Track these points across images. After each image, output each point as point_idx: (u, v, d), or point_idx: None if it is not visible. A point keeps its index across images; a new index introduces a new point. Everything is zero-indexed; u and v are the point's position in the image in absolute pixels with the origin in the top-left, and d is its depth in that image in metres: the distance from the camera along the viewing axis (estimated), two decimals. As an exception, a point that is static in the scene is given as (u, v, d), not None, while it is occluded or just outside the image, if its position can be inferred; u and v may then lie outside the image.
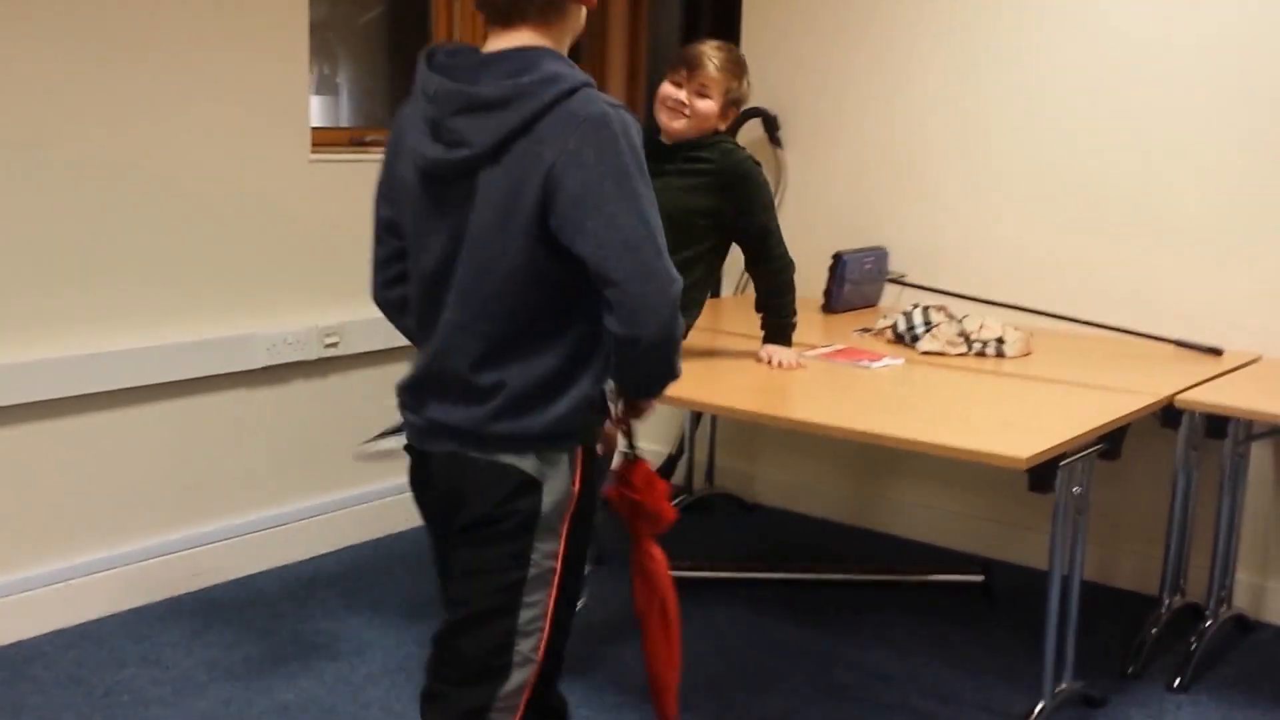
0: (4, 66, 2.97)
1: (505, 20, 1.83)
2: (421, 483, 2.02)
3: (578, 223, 1.74)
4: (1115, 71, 3.65)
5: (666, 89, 3.06)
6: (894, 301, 3.96)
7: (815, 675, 3.16)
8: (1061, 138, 3.76)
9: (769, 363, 3.11)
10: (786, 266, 3.19)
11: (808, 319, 3.83)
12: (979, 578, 3.72)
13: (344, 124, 4.29)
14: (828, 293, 3.91)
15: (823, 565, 3.85)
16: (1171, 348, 3.41)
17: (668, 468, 4.51)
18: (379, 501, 3.94)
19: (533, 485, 1.87)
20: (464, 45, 1.88)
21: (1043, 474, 2.61)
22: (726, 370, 3.15)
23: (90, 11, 3.10)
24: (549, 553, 1.90)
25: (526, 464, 1.86)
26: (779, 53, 4.24)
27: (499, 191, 1.78)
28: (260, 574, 3.65)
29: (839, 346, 3.37)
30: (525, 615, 1.90)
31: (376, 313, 2.12)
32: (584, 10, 1.90)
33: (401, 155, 1.90)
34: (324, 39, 4.09)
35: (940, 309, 3.45)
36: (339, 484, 3.85)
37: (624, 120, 1.77)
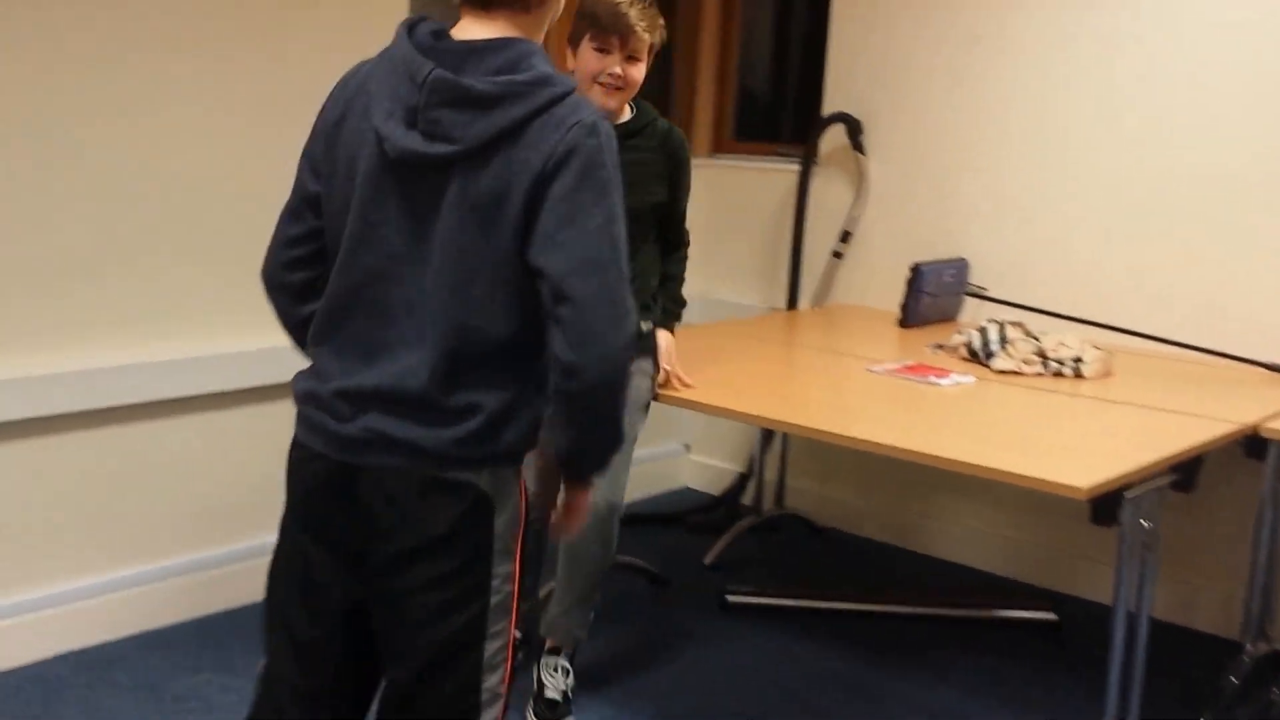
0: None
1: (483, 4, 1.69)
2: (341, 504, 1.74)
3: (550, 234, 1.63)
4: (1197, 87, 3.47)
5: (590, 59, 2.65)
6: (974, 316, 3.80)
7: (871, 712, 3.03)
8: (1145, 151, 3.57)
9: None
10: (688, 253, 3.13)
11: (882, 331, 3.71)
12: (1051, 616, 3.54)
13: None
14: (904, 305, 3.75)
15: (886, 596, 3.69)
16: (1262, 371, 3.20)
17: (737, 487, 4.40)
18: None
19: (487, 505, 1.72)
20: (442, 24, 1.72)
21: (1107, 505, 2.44)
22: (795, 384, 3.05)
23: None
24: (507, 576, 1.76)
25: (481, 482, 1.71)
26: (866, 58, 4.11)
27: (480, 197, 1.64)
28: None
29: (909, 362, 3.23)
30: (490, 648, 1.75)
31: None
32: (561, 2, 1.77)
33: (353, 132, 1.71)
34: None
35: (1017, 325, 3.29)
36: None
37: (609, 131, 1.67)
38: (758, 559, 3.99)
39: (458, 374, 1.68)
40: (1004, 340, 3.22)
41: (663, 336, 2.97)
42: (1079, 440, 2.59)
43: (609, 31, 2.61)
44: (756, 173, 4.46)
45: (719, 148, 4.61)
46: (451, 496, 1.69)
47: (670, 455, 4.64)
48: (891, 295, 3.85)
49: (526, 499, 1.80)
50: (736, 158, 4.54)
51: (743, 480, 4.40)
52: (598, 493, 2.77)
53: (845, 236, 4.18)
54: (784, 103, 4.74)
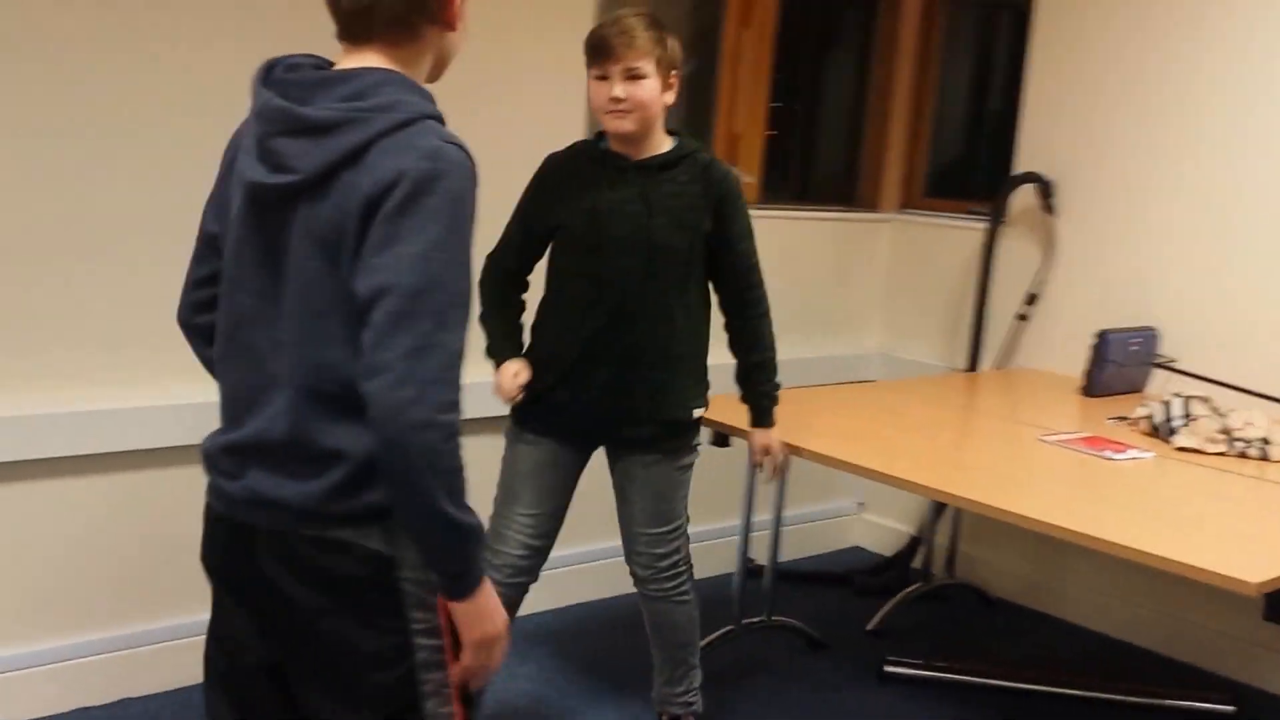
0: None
1: (353, 37, 1.60)
2: (240, 565, 1.64)
3: (366, 258, 1.48)
4: None
5: (595, 90, 2.54)
6: (1160, 388, 3.63)
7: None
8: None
9: (762, 460, 2.84)
10: (769, 314, 2.77)
11: (1063, 399, 3.59)
12: (1229, 708, 3.34)
13: None
14: (1088, 374, 3.63)
15: (1055, 675, 3.54)
16: None
17: (908, 551, 4.31)
18: (602, 561, 3.94)
19: (384, 562, 1.57)
20: (309, 59, 1.63)
21: (1281, 601, 2.32)
22: (966, 451, 2.99)
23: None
24: (430, 627, 1.61)
25: (371, 541, 1.57)
26: (1062, 118, 4.00)
27: (323, 227, 1.52)
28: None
29: (1086, 434, 3.12)
30: (430, 706, 1.62)
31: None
32: (449, 36, 1.65)
33: (235, 173, 1.64)
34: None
35: (1204, 400, 3.14)
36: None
37: (458, 161, 1.52)
38: (923, 628, 3.89)
39: (317, 418, 1.56)
40: (1188, 416, 3.08)
41: (758, 437, 2.81)
42: (1257, 529, 2.46)
43: (599, 56, 2.52)
44: (945, 229, 4.38)
45: (908, 203, 4.56)
46: (338, 556, 1.57)
47: (842, 513, 4.58)
48: (1075, 361, 3.73)
49: None
50: (925, 214, 4.48)
51: (914, 544, 4.30)
52: (659, 546, 2.77)
53: (1031, 299, 4.07)
54: (977, 160, 4.66)
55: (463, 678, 1.64)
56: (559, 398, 2.67)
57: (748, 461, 3.01)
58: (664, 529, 2.77)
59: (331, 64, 1.62)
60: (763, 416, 2.79)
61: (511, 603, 2.76)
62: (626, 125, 2.52)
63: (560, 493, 2.77)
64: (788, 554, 4.07)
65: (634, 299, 2.59)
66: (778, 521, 3.63)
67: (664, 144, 2.61)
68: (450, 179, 1.50)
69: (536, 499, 2.74)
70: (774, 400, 2.80)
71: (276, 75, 1.59)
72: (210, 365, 1.74)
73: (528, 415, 2.72)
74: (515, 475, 2.75)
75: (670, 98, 2.56)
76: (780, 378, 2.81)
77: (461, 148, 1.54)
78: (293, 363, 1.57)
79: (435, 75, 1.68)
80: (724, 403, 2.84)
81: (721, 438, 3.16)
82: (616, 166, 2.59)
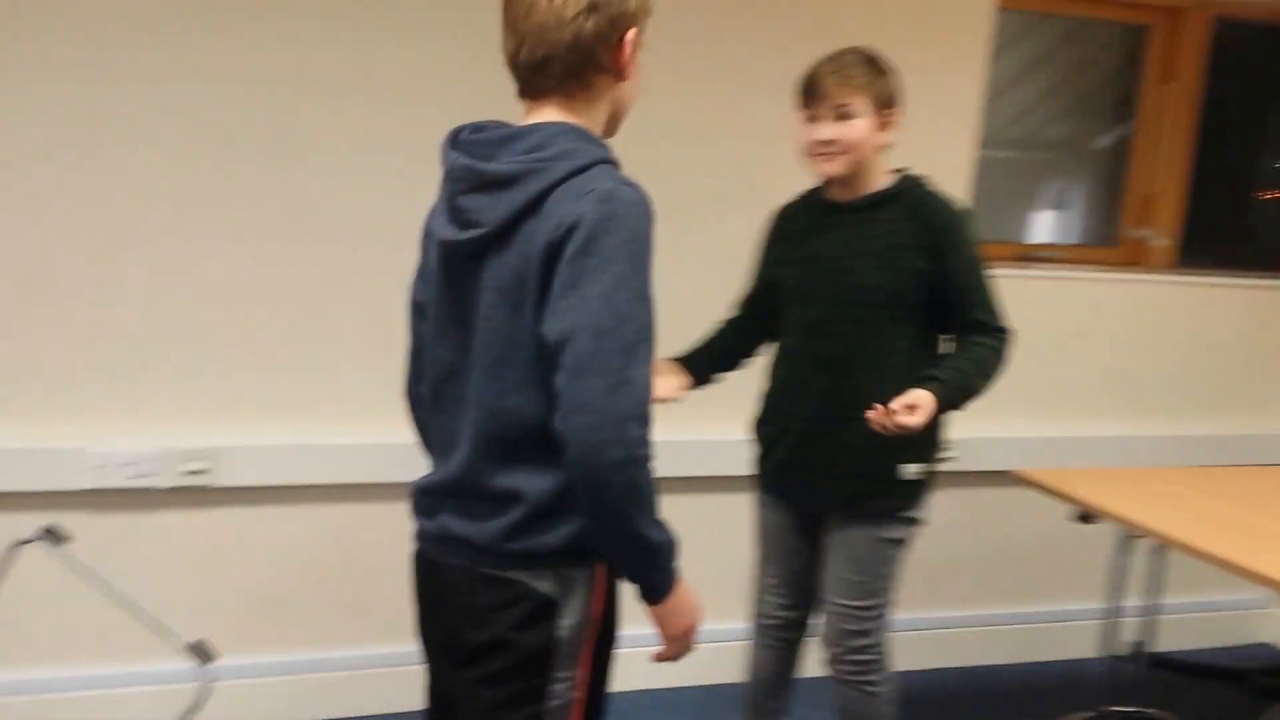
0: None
1: (532, 94, 1.69)
2: (432, 598, 1.80)
3: (553, 302, 1.55)
4: None
5: (802, 133, 2.43)
6: None
7: None
8: None
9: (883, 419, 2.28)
10: (996, 354, 2.42)
11: None
12: None
13: (1070, 240, 4.10)
14: None
15: None
16: None
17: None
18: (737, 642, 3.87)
19: (549, 608, 1.67)
20: (493, 122, 1.71)
21: None
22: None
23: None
24: (570, 682, 1.70)
25: (543, 584, 1.66)
26: None
27: (507, 277, 1.60)
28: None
29: None
30: None
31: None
32: (622, 86, 1.70)
33: (429, 238, 1.77)
34: (1061, 156, 4.05)
35: None
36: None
37: (633, 200, 1.57)
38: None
39: (498, 460, 1.64)
40: None
41: (920, 395, 2.30)
42: None
43: (807, 97, 2.42)
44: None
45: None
46: (509, 595, 1.66)
47: (1251, 606, 4.21)
48: None
49: (606, 600, 1.74)
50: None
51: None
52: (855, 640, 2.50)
53: None
54: None
55: (661, 658, 1.76)
56: (778, 454, 2.59)
57: (1115, 537, 2.82)
58: (857, 604, 2.54)
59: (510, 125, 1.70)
60: (939, 384, 2.33)
61: (773, 664, 2.75)
62: (835, 168, 2.41)
63: (801, 555, 2.66)
64: (1175, 643, 3.81)
65: (839, 345, 2.47)
66: (1154, 606, 3.42)
67: (883, 182, 2.47)
68: (627, 219, 1.55)
69: (777, 561, 2.69)
70: (948, 382, 2.33)
71: (463, 138, 1.69)
72: (423, 431, 1.88)
73: (759, 473, 2.66)
74: (760, 537, 2.72)
75: (887, 137, 2.43)
76: (971, 383, 2.37)
77: (635, 188, 1.59)
78: (477, 409, 1.66)
79: (613, 126, 1.75)
80: (1081, 476, 2.72)
81: (1086, 515, 3.04)
82: (829, 210, 2.50)
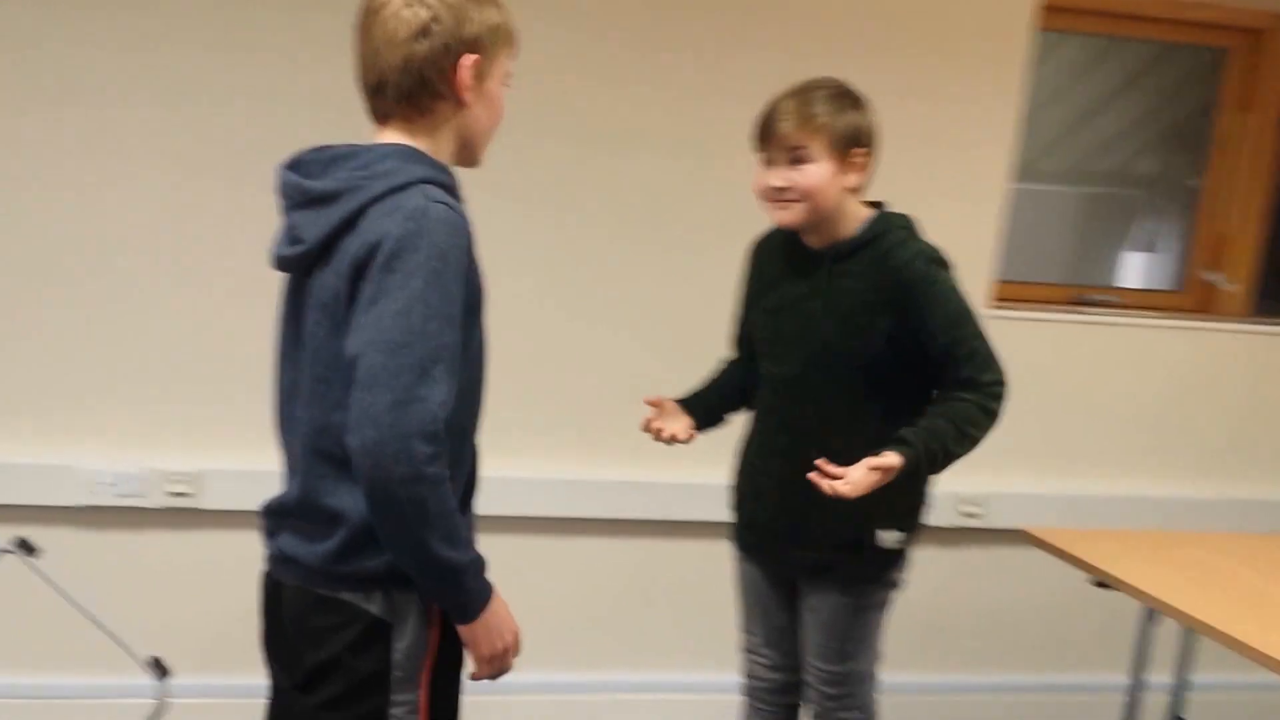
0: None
1: (376, 118, 1.68)
2: (274, 619, 1.78)
3: (355, 317, 1.54)
4: None
5: (757, 179, 2.21)
6: None
7: None
8: None
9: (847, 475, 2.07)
10: (989, 412, 2.15)
11: None
12: None
13: (1157, 285, 3.81)
14: None
15: None
16: None
17: None
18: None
19: (382, 630, 1.64)
20: (338, 144, 1.69)
21: None
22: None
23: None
24: (410, 706, 1.67)
25: (374, 606, 1.64)
26: None
27: (328, 293, 1.59)
28: None
29: None
30: None
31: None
32: (467, 113, 1.66)
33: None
34: (1153, 194, 3.79)
35: None
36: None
37: (443, 219, 1.53)
38: None
39: (323, 480, 1.64)
40: None
41: (882, 458, 2.07)
42: None
43: (760, 138, 2.20)
44: None
45: None
46: (341, 616, 1.65)
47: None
48: None
49: (444, 623, 1.70)
50: None
51: None
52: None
53: None
54: None
55: (475, 678, 1.74)
56: (748, 512, 2.43)
57: (1139, 610, 2.59)
58: (834, 669, 2.39)
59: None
60: (905, 446, 2.09)
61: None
62: (789, 217, 2.20)
63: (781, 613, 2.48)
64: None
65: (809, 409, 2.28)
66: (1184, 684, 3.10)
67: (854, 227, 2.23)
68: (433, 235, 1.52)
69: (758, 620, 2.53)
70: (914, 444, 2.09)
71: (302, 157, 1.70)
72: (283, 453, 1.87)
73: (734, 529, 2.49)
74: (739, 594, 2.56)
75: (853, 180, 2.19)
76: (949, 445, 2.12)
77: (451, 207, 1.56)
78: (307, 428, 1.66)
79: (467, 154, 1.73)
80: (1102, 538, 2.58)
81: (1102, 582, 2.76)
82: (800, 255, 2.28)
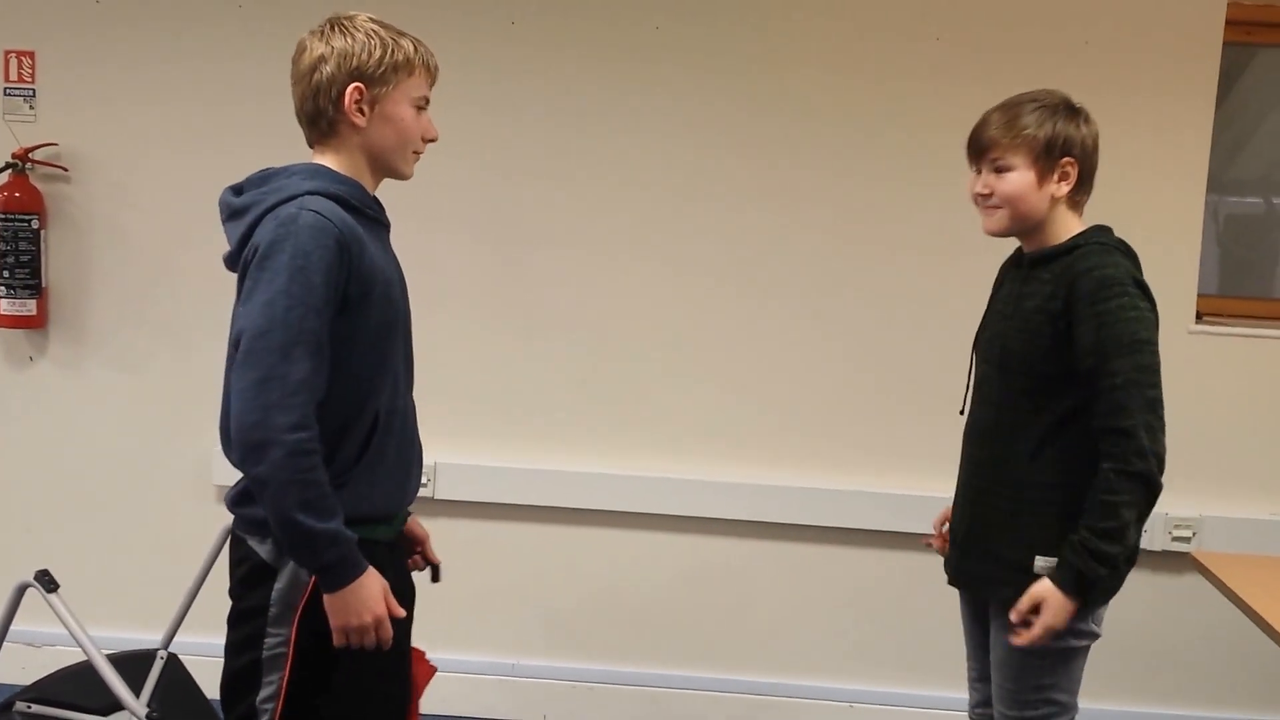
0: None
1: (307, 140, 1.95)
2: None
3: (236, 308, 1.83)
4: None
5: (969, 183, 2.27)
6: None
7: None
8: None
9: (1020, 622, 2.10)
10: (1134, 472, 2.05)
11: None
12: None
13: None
14: None
15: None
16: None
17: None
18: None
19: (266, 571, 1.88)
20: (269, 167, 1.95)
21: None
22: None
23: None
24: (280, 639, 1.89)
25: (263, 549, 1.89)
26: None
27: (240, 293, 1.85)
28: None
29: None
30: (264, 693, 1.90)
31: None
32: (367, 132, 1.90)
33: None
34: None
35: None
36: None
37: (310, 224, 1.78)
38: None
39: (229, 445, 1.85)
40: None
41: (1037, 587, 2.09)
42: None
43: (968, 147, 2.27)
44: None
45: None
46: (240, 553, 1.93)
47: None
48: None
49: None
50: None
51: None
52: None
53: None
54: None
55: (337, 643, 1.87)
56: (951, 523, 2.43)
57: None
58: (1010, 714, 2.24)
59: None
60: (1061, 568, 2.08)
61: None
62: (992, 223, 2.23)
63: (982, 648, 2.39)
64: None
65: (990, 412, 2.28)
66: None
67: (1063, 236, 2.21)
68: (298, 238, 1.78)
69: (972, 654, 2.45)
70: (1087, 558, 2.05)
71: (251, 178, 1.95)
72: None
73: None
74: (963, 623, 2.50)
75: (1059, 189, 2.18)
76: (1118, 549, 2.06)
77: (322, 215, 1.80)
78: (224, 402, 1.90)
79: (384, 167, 1.97)
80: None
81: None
82: (1015, 262, 2.34)
